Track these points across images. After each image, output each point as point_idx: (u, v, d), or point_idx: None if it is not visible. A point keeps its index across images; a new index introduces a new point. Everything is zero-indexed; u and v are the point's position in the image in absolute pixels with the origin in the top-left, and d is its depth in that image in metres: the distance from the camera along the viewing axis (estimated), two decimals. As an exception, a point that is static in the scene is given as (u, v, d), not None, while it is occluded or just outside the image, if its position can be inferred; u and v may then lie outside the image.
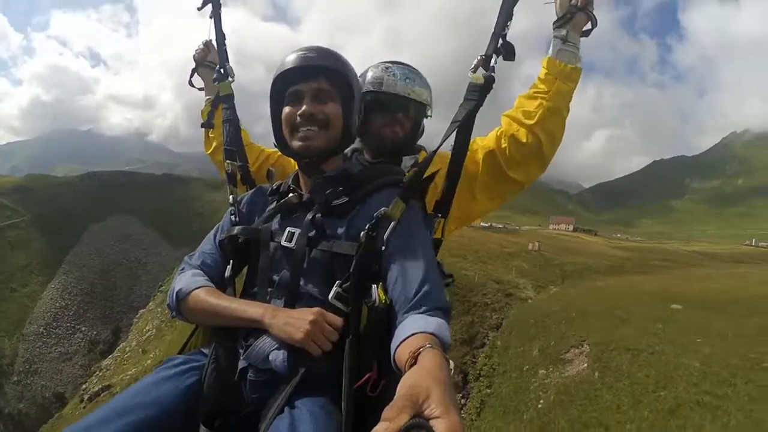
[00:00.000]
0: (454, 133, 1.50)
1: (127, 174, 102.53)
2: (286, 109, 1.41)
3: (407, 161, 1.79)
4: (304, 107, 1.37)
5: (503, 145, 1.63)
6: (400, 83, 1.79)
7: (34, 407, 43.61)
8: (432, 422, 0.64)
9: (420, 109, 1.85)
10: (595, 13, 1.60)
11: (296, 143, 1.40)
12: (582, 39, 1.65)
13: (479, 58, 1.51)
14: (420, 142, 1.93)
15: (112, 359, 37.34)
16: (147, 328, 38.44)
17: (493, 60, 1.51)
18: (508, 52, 1.51)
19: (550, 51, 1.62)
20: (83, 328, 56.58)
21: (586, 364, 13.80)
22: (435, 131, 1.74)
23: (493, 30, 1.52)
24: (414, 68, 1.89)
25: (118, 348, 40.44)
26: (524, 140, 1.59)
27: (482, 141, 1.72)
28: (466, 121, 1.48)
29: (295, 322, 1.19)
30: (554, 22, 1.64)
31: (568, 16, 1.59)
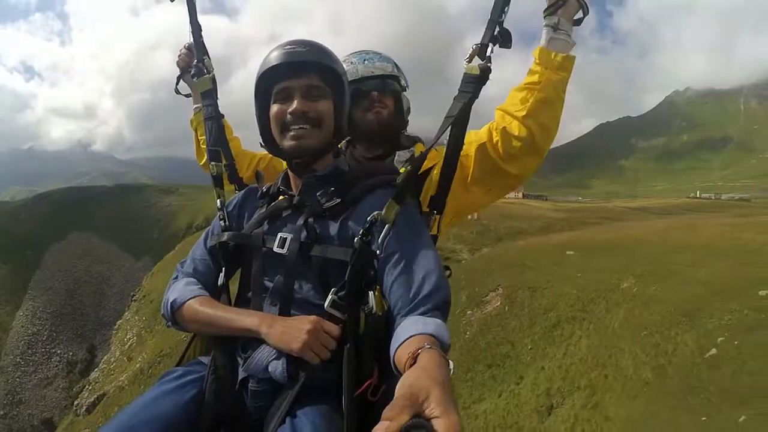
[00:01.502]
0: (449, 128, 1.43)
1: (78, 189, 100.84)
2: (275, 108, 1.33)
3: (402, 156, 1.75)
4: (295, 105, 1.30)
5: (495, 139, 1.55)
6: (360, 66, 1.78)
7: (24, 437, 43.48)
8: (432, 422, 0.64)
9: (391, 83, 1.82)
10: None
11: (287, 143, 1.33)
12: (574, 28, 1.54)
13: (474, 47, 1.44)
14: (413, 138, 1.87)
15: (99, 372, 38.57)
16: (127, 337, 39.60)
17: (489, 49, 1.43)
18: (505, 39, 1.44)
19: (542, 41, 1.53)
20: (59, 351, 56.93)
21: (499, 302, 17.97)
22: (424, 126, 1.68)
23: (489, 16, 1.44)
24: (371, 50, 1.89)
25: (103, 360, 41.60)
26: (517, 133, 1.51)
27: (476, 135, 1.63)
28: (461, 116, 1.42)
29: (291, 331, 1.17)
30: (545, 10, 1.54)
31: (560, 3, 1.50)
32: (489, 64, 1.43)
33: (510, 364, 14.53)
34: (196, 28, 1.95)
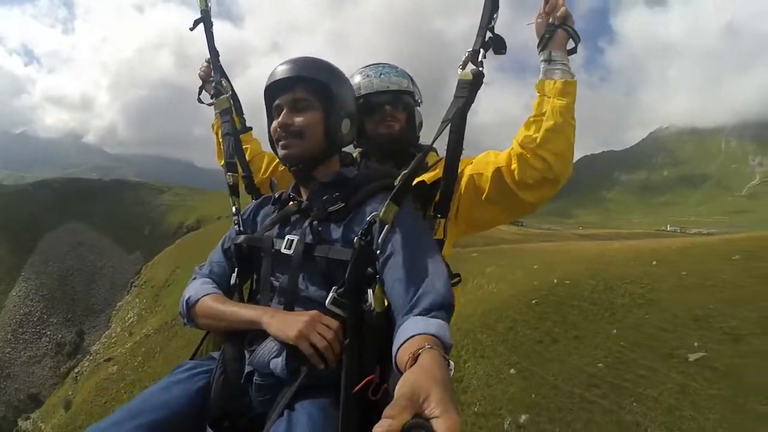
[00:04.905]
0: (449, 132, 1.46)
1: (77, 181, 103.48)
2: (272, 123, 1.45)
3: None
4: (279, 119, 1.42)
5: (513, 167, 1.54)
6: (376, 80, 1.82)
7: (10, 409, 45.19)
8: (432, 422, 0.64)
9: (405, 98, 1.86)
10: (575, 28, 1.56)
11: (280, 153, 1.45)
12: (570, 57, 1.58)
13: (467, 53, 1.47)
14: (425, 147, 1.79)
15: (101, 344, 42.29)
16: (128, 316, 43.42)
17: (481, 54, 1.47)
18: (497, 45, 1.48)
19: (540, 75, 1.57)
20: (48, 332, 58.97)
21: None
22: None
23: (479, 23, 1.48)
24: (387, 63, 1.91)
25: (105, 335, 45.21)
26: (533, 164, 1.51)
27: (494, 156, 1.64)
28: (458, 120, 1.44)
29: (290, 321, 1.22)
30: (537, 46, 1.59)
31: (548, 36, 1.55)
32: (481, 69, 1.45)
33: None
34: (214, 55, 2.10)
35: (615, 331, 11.10)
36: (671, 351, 9.68)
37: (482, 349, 12.93)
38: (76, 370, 40.35)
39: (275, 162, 2.08)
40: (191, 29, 2.14)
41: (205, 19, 2.12)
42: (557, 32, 1.56)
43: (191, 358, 1.53)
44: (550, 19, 1.57)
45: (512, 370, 11.87)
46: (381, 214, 1.27)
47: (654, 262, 13.73)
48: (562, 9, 1.56)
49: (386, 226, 1.27)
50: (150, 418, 1.17)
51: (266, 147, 2.09)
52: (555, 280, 14.81)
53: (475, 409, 10.99)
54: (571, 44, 1.59)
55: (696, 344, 9.47)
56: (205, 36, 2.12)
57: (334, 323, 1.23)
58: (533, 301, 14.30)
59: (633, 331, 10.81)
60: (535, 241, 43.94)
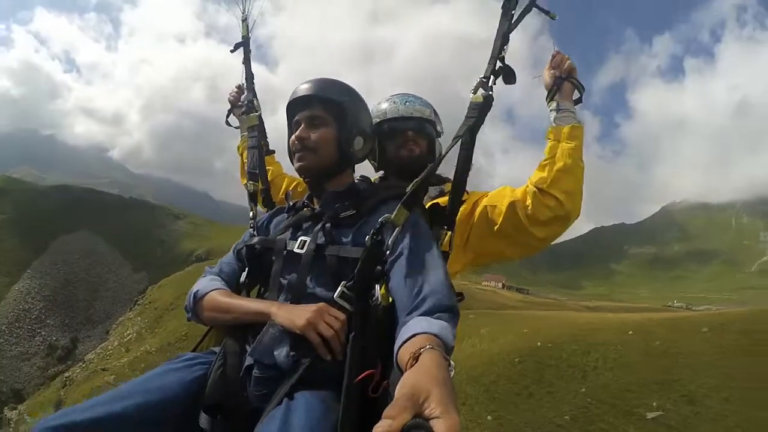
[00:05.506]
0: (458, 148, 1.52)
1: (97, 192, 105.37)
2: (291, 136, 1.53)
3: (432, 192, 1.85)
4: (296, 134, 1.50)
5: (527, 203, 1.63)
6: (402, 107, 1.92)
7: (-9, 397, 43.77)
8: (432, 422, 0.64)
9: (428, 126, 1.95)
10: (580, 80, 1.68)
11: (295, 164, 1.54)
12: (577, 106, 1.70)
13: (479, 80, 1.56)
14: (444, 177, 1.95)
15: (95, 354, 41.77)
16: (128, 332, 42.81)
17: (491, 81, 1.56)
18: (507, 75, 1.57)
19: (551, 122, 1.69)
20: (43, 333, 58.92)
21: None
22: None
23: (491, 53, 1.58)
24: (414, 94, 2.02)
25: (101, 346, 44.48)
26: (545, 202, 1.61)
27: (511, 191, 1.72)
28: (468, 137, 1.51)
29: (298, 312, 1.24)
30: (546, 98, 1.73)
31: (555, 88, 1.69)
32: (491, 93, 1.54)
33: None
34: (249, 76, 2.27)
35: (584, 389, 12.01)
36: (632, 409, 10.55)
37: (465, 398, 13.78)
38: (66, 374, 39.97)
39: (294, 183, 2.22)
40: (232, 51, 2.35)
41: (245, 44, 2.33)
42: (564, 84, 1.72)
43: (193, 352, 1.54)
44: (557, 73, 1.73)
45: (489, 417, 12.83)
46: (393, 216, 1.32)
47: (630, 332, 14.67)
48: (568, 63, 1.73)
49: (397, 229, 1.31)
50: (140, 401, 1.17)
51: (287, 170, 2.29)
52: (539, 343, 15.82)
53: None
54: (576, 95, 1.74)
55: (655, 404, 10.31)
56: (243, 65, 2.31)
57: (341, 315, 1.25)
58: (516, 360, 15.31)
59: (600, 390, 11.71)
60: (534, 308, 44.62)
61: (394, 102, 1.98)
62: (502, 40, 1.60)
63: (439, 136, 2.04)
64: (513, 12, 1.61)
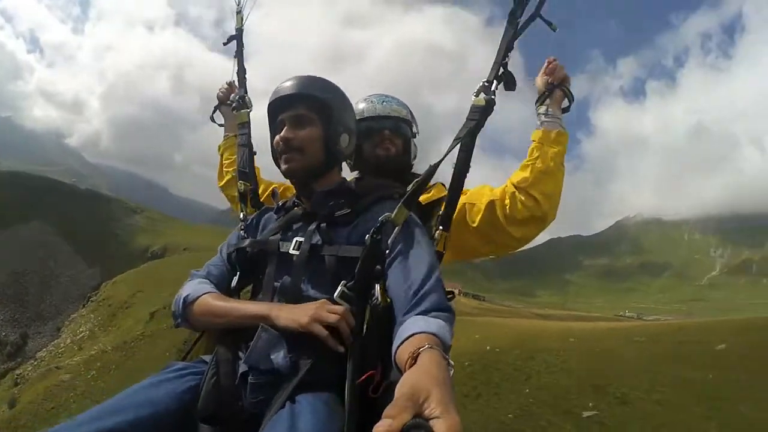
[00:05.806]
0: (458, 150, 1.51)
1: (53, 182, 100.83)
2: (275, 137, 1.48)
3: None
4: (281, 134, 1.45)
5: (506, 202, 1.66)
6: (379, 106, 1.93)
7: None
8: (432, 422, 0.64)
9: (404, 125, 1.96)
10: (571, 89, 1.72)
11: (282, 166, 1.48)
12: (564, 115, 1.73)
13: (481, 84, 1.57)
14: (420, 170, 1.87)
15: (47, 351, 40.70)
16: (81, 329, 41.58)
17: (493, 85, 1.56)
18: (508, 81, 1.58)
19: (537, 125, 1.72)
20: None
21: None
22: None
23: (495, 58, 1.58)
24: (390, 95, 2.02)
25: (53, 343, 43.24)
26: (524, 202, 1.64)
27: (490, 190, 1.76)
28: (468, 139, 1.50)
29: (299, 311, 1.22)
30: (536, 101, 1.75)
31: (546, 93, 1.71)
32: (493, 97, 1.54)
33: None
34: (242, 71, 2.21)
35: (527, 390, 12.89)
36: (570, 409, 11.38)
37: (416, 399, 14.73)
38: (17, 372, 38.35)
39: (272, 186, 2.12)
40: (225, 44, 2.29)
41: (239, 37, 2.27)
42: (556, 92, 1.73)
43: (182, 361, 1.45)
44: (550, 79, 1.74)
45: (440, 417, 13.82)
46: (393, 216, 1.30)
47: (572, 339, 15.72)
48: (562, 72, 1.75)
49: (396, 228, 1.30)
50: (130, 416, 1.10)
51: (264, 174, 2.18)
52: (488, 348, 16.56)
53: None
54: (565, 103, 1.76)
55: (591, 404, 11.18)
56: (235, 59, 2.25)
57: (341, 309, 1.23)
58: (467, 363, 16.17)
59: (542, 391, 12.52)
60: (489, 315, 46.11)
61: (372, 101, 1.99)
62: (507, 46, 1.60)
63: (415, 137, 2.05)
64: (519, 20, 1.62)
